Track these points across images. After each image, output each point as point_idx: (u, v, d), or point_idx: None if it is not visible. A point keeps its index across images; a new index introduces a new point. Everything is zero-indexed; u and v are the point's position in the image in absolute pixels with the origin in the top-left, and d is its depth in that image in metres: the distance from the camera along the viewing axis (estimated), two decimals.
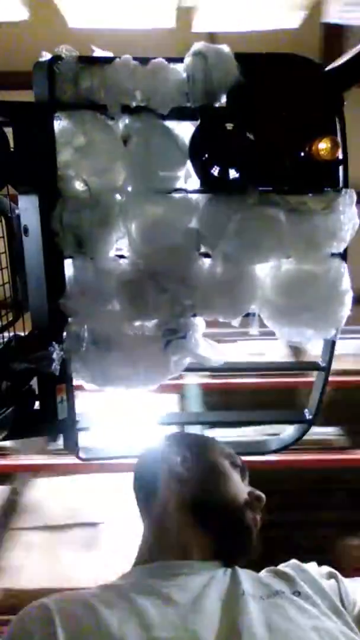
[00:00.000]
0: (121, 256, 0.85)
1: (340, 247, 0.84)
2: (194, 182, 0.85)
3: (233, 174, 0.81)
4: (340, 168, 0.83)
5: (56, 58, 0.75)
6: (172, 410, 2.17)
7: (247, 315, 0.89)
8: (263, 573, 0.75)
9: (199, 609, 0.61)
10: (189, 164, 0.82)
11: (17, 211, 0.88)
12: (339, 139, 0.80)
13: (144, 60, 0.77)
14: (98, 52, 0.78)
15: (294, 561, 0.76)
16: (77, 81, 0.76)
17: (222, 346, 0.92)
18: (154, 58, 0.78)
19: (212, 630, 0.58)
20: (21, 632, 0.56)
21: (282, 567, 0.75)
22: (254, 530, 0.75)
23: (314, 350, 0.99)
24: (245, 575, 0.69)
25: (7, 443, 1.78)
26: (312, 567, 0.75)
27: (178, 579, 0.67)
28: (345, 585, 0.71)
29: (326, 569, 0.75)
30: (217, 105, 0.80)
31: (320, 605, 0.65)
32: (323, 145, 0.79)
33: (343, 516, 2.02)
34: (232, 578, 0.68)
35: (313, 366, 1.03)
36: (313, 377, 1.03)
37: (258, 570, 0.75)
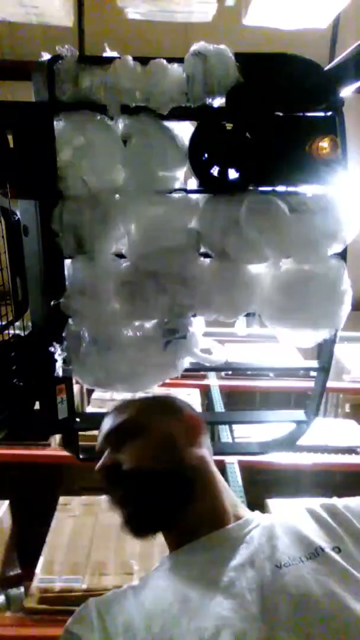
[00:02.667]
0: (121, 256, 0.85)
1: (339, 247, 0.84)
2: (194, 182, 0.85)
3: (233, 174, 0.81)
4: (340, 168, 0.83)
5: (56, 58, 0.75)
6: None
7: (247, 315, 0.90)
8: (305, 515, 0.68)
9: (234, 592, 0.58)
10: (188, 163, 0.82)
11: (17, 211, 0.89)
12: (338, 138, 0.81)
13: (144, 60, 0.77)
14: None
15: (334, 502, 0.69)
16: (77, 81, 0.77)
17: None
18: (154, 58, 0.78)
19: (249, 619, 0.55)
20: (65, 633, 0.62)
21: (322, 509, 0.68)
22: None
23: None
24: (282, 531, 0.65)
25: None
26: (356, 505, 0.67)
27: (211, 554, 0.64)
28: None
29: None
30: (216, 105, 0.80)
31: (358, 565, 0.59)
32: (323, 145, 0.79)
33: None
34: (268, 540, 0.64)
35: (313, 366, 1.03)
36: None
37: None
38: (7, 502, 1.69)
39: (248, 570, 0.60)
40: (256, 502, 1.65)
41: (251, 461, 1.84)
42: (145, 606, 0.61)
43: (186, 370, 0.93)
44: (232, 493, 0.75)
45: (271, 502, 1.67)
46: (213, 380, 2.54)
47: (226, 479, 1.79)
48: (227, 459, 1.84)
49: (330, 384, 1.09)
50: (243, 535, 0.66)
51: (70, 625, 0.63)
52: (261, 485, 1.88)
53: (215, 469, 0.74)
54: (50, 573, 1.34)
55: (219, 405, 2.31)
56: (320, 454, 1.98)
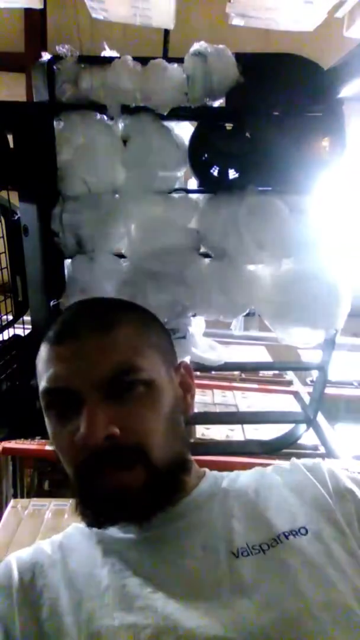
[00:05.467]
0: (121, 256, 0.85)
1: (339, 248, 0.84)
2: (194, 182, 0.85)
3: (232, 174, 0.81)
4: (340, 168, 0.83)
5: (56, 58, 0.75)
6: None
7: (247, 315, 0.90)
8: (266, 479, 0.60)
9: (181, 582, 0.49)
10: (188, 163, 0.82)
11: (17, 211, 0.89)
12: (339, 139, 0.81)
13: (144, 60, 0.77)
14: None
15: (294, 463, 0.61)
16: (77, 81, 0.77)
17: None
18: (154, 58, 0.78)
19: (199, 617, 0.46)
20: None
21: (279, 475, 0.60)
22: None
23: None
24: (238, 506, 0.56)
25: None
26: (324, 470, 0.59)
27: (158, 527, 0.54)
28: None
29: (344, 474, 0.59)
30: (216, 105, 0.80)
31: (332, 549, 0.51)
32: (323, 145, 0.79)
33: None
34: (224, 517, 0.54)
35: (313, 366, 1.03)
36: None
37: None
38: None
39: (199, 555, 0.51)
40: None
41: None
42: (75, 584, 0.51)
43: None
44: None
45: None
46: (299, 387, 2.54)
47: None
48: (350, 467, 1.79)
49: None
50: (200, 505, 0.57)
51: None
52: None
53: None
54: None
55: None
56: None
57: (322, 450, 1.98)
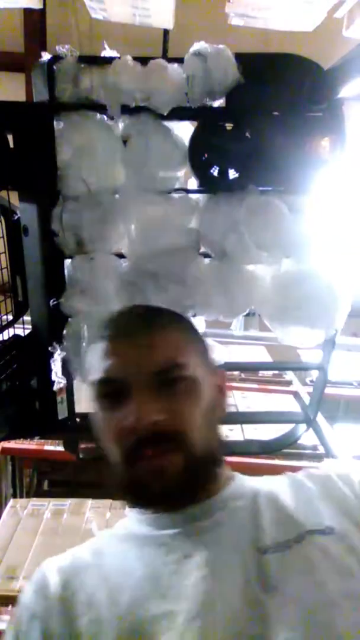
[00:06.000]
0: (121, 256, 0.85)
1: (339, 248, 0.84)
2: (194, 182, 0.85)
3: (232, 174, 0.81)
4: (340, 168, 0.83)
5: (56, 58, 0.75)
6: None
7: (247, 315, 0.90)
8: (291, 485, 0.62)
9: (217, 572, 0.52)
10: (189, 163, 0.82)
11: (17, 211, 0.89)
12: (338, 138, 0.81)
13: (144, 60, 0.77)
14: None
15: (327, 471, 0.63)
16: (77, 81, 0.77)
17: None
18: (154, 58, 0.78)
19: (229, 612, 0.49)
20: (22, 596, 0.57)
21: (312, 480, 0.62)
22: None
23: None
24: (266, 505, 0.58)
25: None
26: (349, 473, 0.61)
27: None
28: None
29: None
30: (216, 105, 0.80)
31: (357, 547, 0.53)
32: (323, 145, 0.79)
33: None
34: (252, 516, 0.57)
35: (313, 366, 1.03)
36: None
37: None
38: None
39: (231, 554, 0.54)
40: None
41: None
42: (111, 579, 0.55)
43: None
44: None
45: None
46: (299, 387, 2.54)
47: None
48: None
49: None
50: (229, 505, 0.60)
51: (27, 599, 0.56)
52: None
53: None
54: None
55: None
56: None
57: (321, 450, 1.98)
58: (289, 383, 2.62)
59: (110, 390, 0.59)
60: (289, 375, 2.67)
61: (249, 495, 0.61)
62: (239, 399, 2.35)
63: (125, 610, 0.51)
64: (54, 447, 1.82)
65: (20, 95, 3.28)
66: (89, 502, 1.58)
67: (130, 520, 0.63)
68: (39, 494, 1.89)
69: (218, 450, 0.63)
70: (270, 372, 2.65)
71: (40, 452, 1.84)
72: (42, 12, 3.16)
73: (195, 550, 0.55)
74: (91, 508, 1.56)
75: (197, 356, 0.62)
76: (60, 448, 1.81)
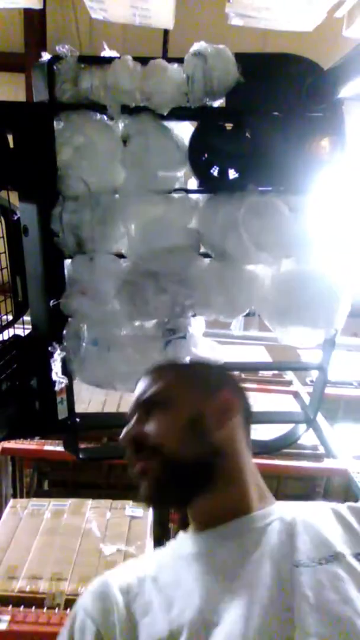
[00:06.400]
0: (121, 256, 0.85)
1: (339, 248, 0.84)
2: (194, 182, 0.85)
3: (232, 174, 0.81)
4: (340, 168, 0.83)
5: (56, 58, 0.75)
6: None
7: (247, 315, 0.90)
8: (329, 515, 0.67)
9: (251, 584, 0.58)
10: (188, 164, 0.82)
11: (17, 211, 0.89)
12: (338, 138, 0.81)
13: (144, 61, 0.77)
14: None
15: (357, 504, 0.68)
16: (77, 81, 0.77)
17: None
18: (154, 58, 0.78)
19: (263, 616, 0.54)
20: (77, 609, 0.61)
21: (349, 511, 0.67)
22: None
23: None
24: (303, 529, 0.63)
25: None
26: None
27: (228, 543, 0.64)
28: None
29: None
30: (216, 105, 0.80)
31: None
32: (323, 145, 0.79)
33: None
34: (288, 536, 0.62)
35: (313, 366, 1.03)
36: None
37: None
38: None
39: (266, 566, 0.59)
40: None
41: None
42: (167, 592, 0.61)
43: None
44: (259, 478, 0.73)
45: None
46: (299, 387, 2.54)
47: (350, 489, 1.78)
48: (350, 467, 1.85)
49: None
50: (264, 526, 0.65)
51: (87, 605, 0.61)
52: None
53: (245, 453, 0.72)
54: None
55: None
56: None
57: (321, 450, 1.98)
58: (289, 383, 2.62)
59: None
60: (289, 375, 2.66)
61: (287, 519, 0.66)
62: None
63: (177, 615, 0.57)
64: (54, 447, 1.83)
65: (20, 96, 3.27)
66: (89, 502, 1.58)
67: (182, 539, 0.70)
68: (39, 494, 1.89)
69: (208, 460, 0.68)
70: (270, 372, 2.65)
71: (40, 452, 1.85)
72: (42, 13, 3.16)
73: (235, 565, 0.61)
74: (91, 508, 1.56)
75: (183, 387, 0.73)
76: (60, 448, 1.82)
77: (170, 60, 0.78)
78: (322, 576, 0.57)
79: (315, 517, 0.67)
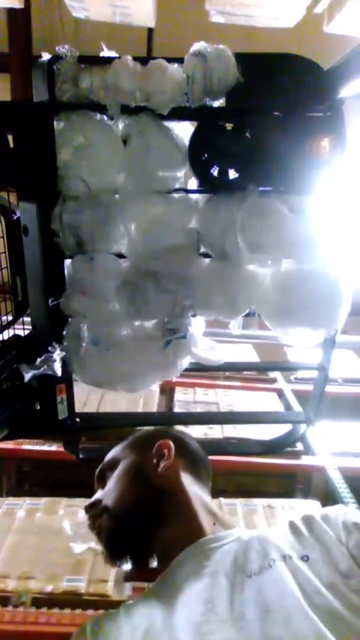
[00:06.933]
0: (121, 256, 0.85)
1: (339, 248, 0.84)
2: (194, 182, 0.85)
3: (232, 174, 0.81)
4: (340, 168, 0.83)
5: (56, 58, 0.75)
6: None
7: (247, 315, 0.90)
8: (284, 527, 0.72)
9: (208, 602, 0.62)
10: (188, 164, 0.82)
11: (17, 211, 0.89)
12: (338, 138, 0.81)
13: (144, 60, 0.77)
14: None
15: (314, 513, 0.72)
16: (77, 81, 0.77)
17: None
18: (154, 58, 0.78)
19: (220, 627, 0.58)
20: None
21: (301, 521, 0.71)
22: None
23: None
24: (257, 542, 0.68)
25: None
26: (335, 516, 0.69)
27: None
28: None
29: (353, 518, 0.69)
30: (216, 105, 0.80)
31: (327, 572, 0.62)
32: (323, 145, 0.79)
33: None
34: (243, 552, 0.67)
35: (313, 366, 1.03)
36: None
37: None
38: None
39: (221, 580, 0.64)
40: None
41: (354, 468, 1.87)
42: (134, 620, 0.64)
43: (186, 370, 0.93)
44: (214, 510, 0.79)
45: None
46: (283, 384, 2.54)
47: (328, 486, 1.79)
48: (327, 464, 1.86)
49: None
50: (218, 547, 0.70)
51: None
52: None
53: (190, 489, 0.79)
54: None
55: (297, 408, 2.31)
56: None
57: (299, 447, 1.99)
58: (273, 381, 2.62)
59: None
60: (274, 372, 2.66)
61: (244, 539, 0.71)
62: (221, 397, 2.34)
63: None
64: (33, 446, 1.83)
65: (5, 96, 3.25)
66: (64, 501, 1.58)
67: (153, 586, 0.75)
68: (19, 493, 1.86)
69: (150, 505, 0.76)
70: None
71: (20, 452, 1.84)
72: (26, 12, 3.14)
73: (193, 586, 0.65)
74: (65, 507, 1.56)
75: (126, 449, 0.86)
76: (40, 447, 1.81)
77: (170, 60, 0.78)
78: (270, 579, 0.62)
79: (271, 531, 0.72)
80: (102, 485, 0.84)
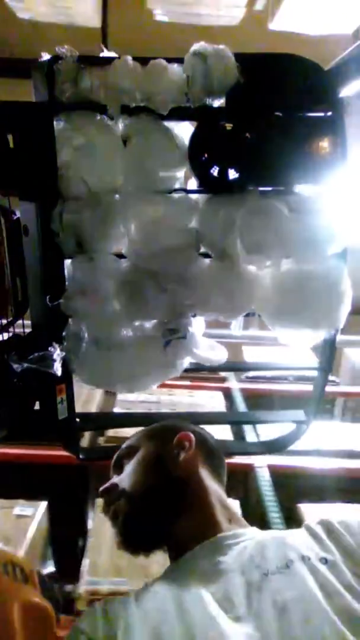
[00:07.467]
0: (121, 256, 0.85)
1: (339, 248, 0.84)
2: (194, 182, 0.85)
3: (232, 174, 0.81)
4: (340, 168, 0.83)
5: (56, 58, 0.75)
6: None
7: (247, 315, 0.90)
8: (301, 530, 0.71)
9: (224, 597, 0.62)
10: (188, 163, 0.82)
11: (17, 211, 0.88)
12: (339, 139, 0.80)
13: (144, 61, 0.77)
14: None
15: (332, 519, 0.71)
16: (77, 81, 0.77)
17: None
18: (154, 58, 0.78)
19: (236, 622, 0.58)
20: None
21: (319, 525, 0.71)
22: None
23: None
24: (273, 542, 0.68)
25: None
26: (356, 523, 0.69)
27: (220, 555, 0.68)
28: None
29: None
30: (216, 105, 0.80)
31: (346, 575, 0.61)
32: (323, 145, 0.79)
33: None
34: (259, 551, 0.67)
35: (313, 366, 1.03)
36: None
37: None
38: (45, 503, 1.69)
39: (237, 577, 0.63)
40: (289, 507, 1.66)
41: (281, 465, 1.87)
42: (144, 607, 0.64)
43: (186, 370, 0.93)
44: (230, 507, 0.79)
45: (304, 507, 1.66)
46: (233, 383, 2.53)
47: (255, 483, 1.79)
48: (256, 462, 1.87)
49: None
50: (234, 544, 0.69)
51: (78, 623, 0.66)
52: (292, 490, 1.86)
53: (209, 481, 0.79)
54: (96, 575, 1.37)
55: (242, 407, 2.32)
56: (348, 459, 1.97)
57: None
58: (223, 380, 2.61)
59: None
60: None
61: (258, 539, 0.70)
62: (164, 397, 2.34)
63: (151, 629, 0.61)
64: None
65: None
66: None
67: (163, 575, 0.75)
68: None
69: (166, 493, 0.76)
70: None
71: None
72: None
73: (209, 582, 0.65)
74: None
75: (144, 438, 0.87)
76: None
77: (170, 60, 0.78)
78: (289, 579, 0.61)
79: (287, 533, 0.72)
80: (119, 472, 0.84)
